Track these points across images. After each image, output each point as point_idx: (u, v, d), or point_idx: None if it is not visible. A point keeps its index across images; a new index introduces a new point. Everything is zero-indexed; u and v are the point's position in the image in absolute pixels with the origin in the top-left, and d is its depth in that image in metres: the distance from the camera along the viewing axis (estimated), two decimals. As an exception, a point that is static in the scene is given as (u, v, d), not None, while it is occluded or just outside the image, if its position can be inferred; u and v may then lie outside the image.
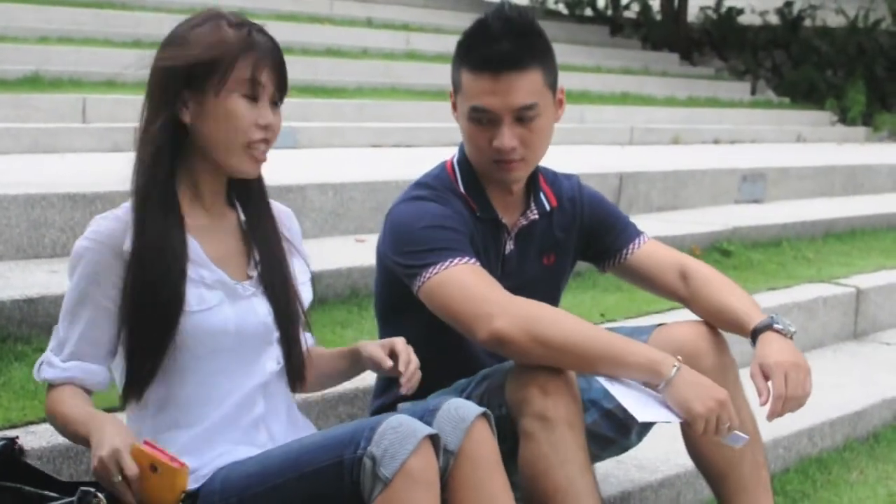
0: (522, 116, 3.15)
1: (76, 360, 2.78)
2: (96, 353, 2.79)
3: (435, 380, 3.29)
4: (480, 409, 2.78)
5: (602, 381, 3.05)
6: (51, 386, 2.79)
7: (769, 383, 3.16)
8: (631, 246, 3.47)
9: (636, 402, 3.02)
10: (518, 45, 3.14)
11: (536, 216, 3.37)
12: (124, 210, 2.78)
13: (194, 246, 2.81)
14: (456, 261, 3.08)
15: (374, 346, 3.02)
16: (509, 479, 2.81)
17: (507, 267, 3.34)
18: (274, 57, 2.85)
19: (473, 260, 3.11)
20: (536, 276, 3.41)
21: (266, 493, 2.70)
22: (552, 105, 3.24)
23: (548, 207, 3.39)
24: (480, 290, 3.04)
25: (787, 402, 3.15)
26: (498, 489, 2.76)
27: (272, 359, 2.93)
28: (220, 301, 2.82)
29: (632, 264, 3.47)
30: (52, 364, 2.78)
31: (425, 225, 3.16)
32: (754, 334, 3.25)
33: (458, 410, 2.76)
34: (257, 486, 2.71)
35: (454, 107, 3.30)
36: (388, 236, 3.27)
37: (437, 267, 3.08)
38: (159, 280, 2.73)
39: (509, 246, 3.35)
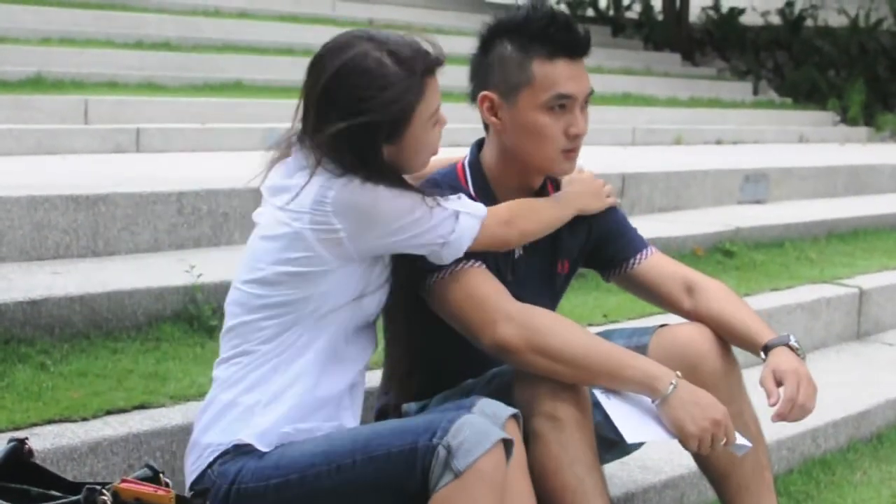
0: (584, 104, 3.23)
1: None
2: None
3: (442, 379, 3.30)
4: (512, 410, 2.85)
5: (598, 394, 3.07)
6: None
7: (781, 389, 3.15)
8: (638, 256, 3.45)
9: (629, 421, 3.04)
10: (583, 32, 3.23)
11: None
12: None
13: None
14: (462, 264, 3.08)
15: None
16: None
17: (518, 272, 3.33)
18: (441, 65, 2.95)
19: (479, 263, 3.11)
20: (548, 282, 3.41)
21: (331, 473, 2.75)
22: None
23: None
24: (487, 297, 3.06)
25: (795, 408, 3.14)
26: (524, 490, 2.85)
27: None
28: None
29: (636, 275, 3.45)
30: (468, 210, 3.01)
31: None
32: (767, 348, 3.24)
33: (492, 409, 2.83)
34: (322, 464, 2.75)
35: (493, 112, 3.24)
36: None
37: (445, 270, 3.08)
38: None
39: (518, 251, 3.34)
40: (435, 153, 3.01)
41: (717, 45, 20.87)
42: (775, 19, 20.78)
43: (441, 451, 2.66)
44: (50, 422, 3.31)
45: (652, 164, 8.22)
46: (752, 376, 3.46)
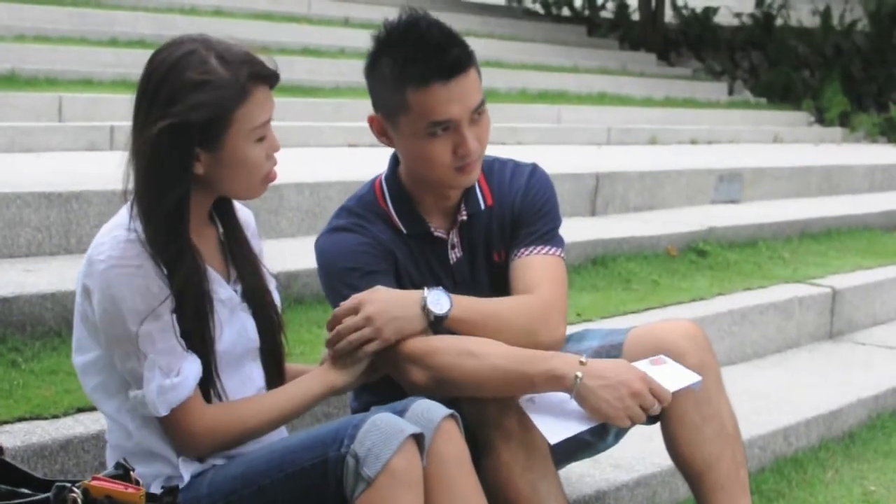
0: (475, 117, 3.10)
1: (182, 363, 2.73)
2: (183, 347, 2.75)
3: (399, 391, 3.27)
4: (448, 410, 2.80)
5: (521, 401, 3.04)
6: (181, 410, 2.74)
7: None
8: (521, 251, 3.30)
9: (551, 422, 3.00)
10: (458, 48, 3.09)
11: (465, 217, 3.30)
12: (130, 231, 2.73)
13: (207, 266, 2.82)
14: None
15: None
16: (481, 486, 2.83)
17: (459, 276, 3.30)
18: (270, 80, 2.80)
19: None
20: (490, 276, 3.35)
21: (252, 495, 2.71)
22: None
23: (482, 206, 3.32)
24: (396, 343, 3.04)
25: None
26: (468, 487, 2.78)
27: (260, 373, 2.96)
28: (224, 319, 2.84)
29: (510, 271, 3.32)
30: (173, 386, 2.71)
31: (344, 267, 3.16)
32: None
33: (426, 411, 2.78)
34: (243, 488, 2.72)
35: (383, 134, 3.18)
36: (318, 273, 3.28)
37: None
38: (194, 318, 2.75)
39: (454, 255, 3.30)
40: (269, 179, 2.83)
41: (693, 45, 20.90)
42: (750, 20, 20.83)
43: (350, 461, 2.61)
44: (21, 419, 3.30)
45: (626, 164, 8.24)
46: (730, 374, 3.48)
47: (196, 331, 2.76)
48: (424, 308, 3.05)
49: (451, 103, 3.05)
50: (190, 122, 2.68)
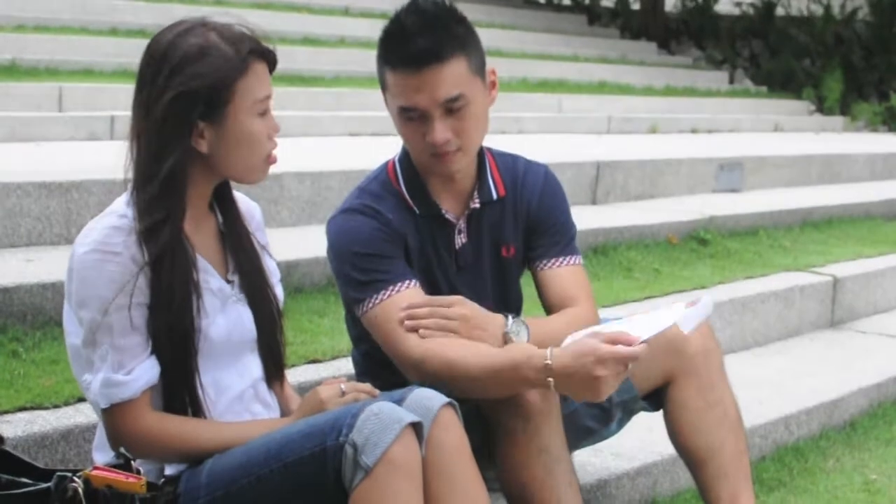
0: (451, 108, 3.09)
1: (137, 365, 2.72)
2: (145, 349, 2.74)
3: (400, 378, 3.28)
4: (446, 399, 2.79)
5: None
6: (119, 407, 2.72)
7: None
8: (544, 263, 3.36)
9: None
10: (435, 39, 3.07)
11: (478, 205, 3.31)
12: (121, 217, 2.73)
13: (199, 256, 2.81)
14: (380, 296, 3.12)
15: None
16: (481, 474, 2.81)
17: (462, 261, 3.31)
18: (269, 59, 2.81)
19: (398, 286, 3.13)
20: (495, 268, 3.37)
21: (251, 485, 2.70)
22: (482, 89, 3.17)
23: (494, 196, 3.33)
24: (394, 343, 3.11)
25: None
26: (468, 475, 2.77)
27: (258, 364, 2.95)
28: (215, 309, 2.83)
29: (538, 279, 3.38)
30: (118, 383, 2.70)
31: (355, 251, 3.18)
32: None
33: (424, 399, 2.78)
34: (242, 478, 2.71)
35: (386, 103, 3.24)
36: (328, 253, 3.29)
37: (366, 305, 3.13)
38: (168, 295, 2.72)
39: (460, 240, 3.31)
40: (270, 161, 2.83)
41: (693, 34, 20.88)
42: (751, 9, 20.81)
43: (348, 450, 2.60)
44: (21, 409, 3.30)
45: (627, 153, 8.24)
46: (731, 363, 3.48)
47: (173, 310, 2.72)
48: (506, 335, 3.12)
49: (418, 92, 3.08)
50: (193, 90, 2.69)
